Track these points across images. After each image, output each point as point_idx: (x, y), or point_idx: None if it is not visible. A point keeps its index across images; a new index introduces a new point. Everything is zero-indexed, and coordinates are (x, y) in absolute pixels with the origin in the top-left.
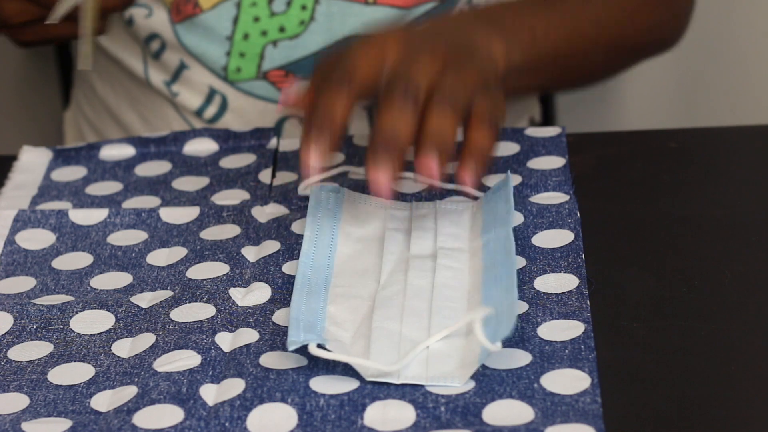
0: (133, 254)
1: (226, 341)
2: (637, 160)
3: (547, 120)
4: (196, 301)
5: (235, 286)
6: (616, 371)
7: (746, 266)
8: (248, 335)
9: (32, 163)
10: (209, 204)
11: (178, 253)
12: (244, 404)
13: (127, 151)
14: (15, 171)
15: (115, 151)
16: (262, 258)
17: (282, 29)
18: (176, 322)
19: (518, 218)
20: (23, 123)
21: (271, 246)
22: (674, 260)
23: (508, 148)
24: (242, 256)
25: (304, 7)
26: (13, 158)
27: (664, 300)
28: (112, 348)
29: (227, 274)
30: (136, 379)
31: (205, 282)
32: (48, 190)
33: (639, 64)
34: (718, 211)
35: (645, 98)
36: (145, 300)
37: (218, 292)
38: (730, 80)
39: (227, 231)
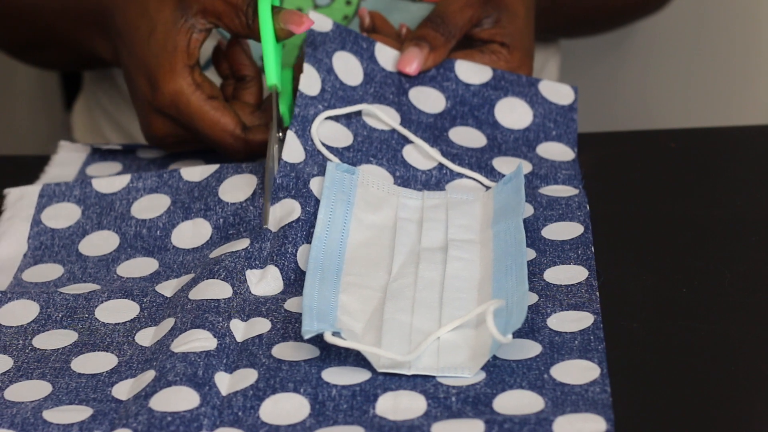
0: (158, 232)
1: (239, 330)
2: (637, 160)
3: None
4: (213, 278)
5: (252, 267)
6: (616, 371)
7: (746, 266)
8: (260, 325)
9: (69, 158)
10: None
11: (202, 229)
12: (257, 394)
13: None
14: (51, 165)
15: (152, 152)
16: (281, 230)
17: None
18: (193, 300)
19: (528, 210)
20: (23, 121)
21: (290, 210)
22: (674, 260)
23: (519, 114)
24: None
25: (348, 2)
26: (44, 158)
27: (664, 300)
28: (135, 338)
29: (246, 249)
30: (155, 363)
31: (223, 257)
32: None
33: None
34: (718, 211)
35: (645, 98)
36: (169, 288)
37: (235, 271)
38: (730, 80)
39: (246, 183)
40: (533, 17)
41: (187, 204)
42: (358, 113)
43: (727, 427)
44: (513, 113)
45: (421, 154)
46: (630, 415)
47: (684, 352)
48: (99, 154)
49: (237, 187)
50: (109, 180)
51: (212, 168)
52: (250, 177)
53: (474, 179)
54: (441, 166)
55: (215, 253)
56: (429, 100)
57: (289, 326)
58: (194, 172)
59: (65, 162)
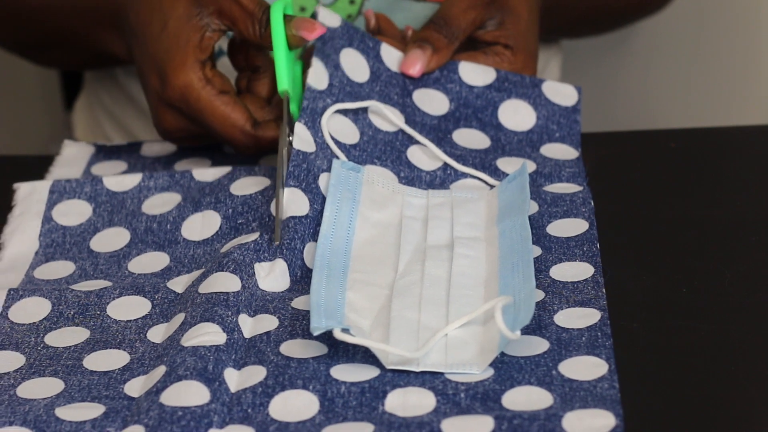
0: (168, 225)
1: (246, 325)
2: (637, 160)
3: None
4: (222, 270)
5: (260, 260)
6: (617, 371)
7: (746, 266)
8: (268, 322)
9: (74, 157)
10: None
11: (212, 220)
12: (266, 391)
13: (170, 147)
14: (56, 165)
15: (156, 148)
16: (291, 223)
17: None
18: (203, 294)
19: (533, 207)
20: (24, 121)
21: (300, 203)
22: (674, 260)
23: (523, 117)
24: (271, 215)
25: (352, 1)
26: (45, 158)
27: (664, 300)
28: (147, 335)
29: (255, 241)
30: (165, 359)
31: (233, 249)
32: None
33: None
34: (718, 211)
35: (645, 98)
36: (180, 284)
37: (244, 264)
38: (730, 80)
39: (258, 182)
40: (537, 19)
41: (197, 199)
42: (365, 111)
43: (727, 427)
44: (516, 115)
45: (425, 155)
46: (630, 415)
47: (684, 352)
48: (104, 153)
49: (248, 186)
50: (120, 178)
51: (225, 170)
52: (262, 179)
53: (478, 178)
54: (445, 166)
55: (225, 248)
56: (433, 102)
57: (296, 323)
58: (206, 174)
59: (70, 161)
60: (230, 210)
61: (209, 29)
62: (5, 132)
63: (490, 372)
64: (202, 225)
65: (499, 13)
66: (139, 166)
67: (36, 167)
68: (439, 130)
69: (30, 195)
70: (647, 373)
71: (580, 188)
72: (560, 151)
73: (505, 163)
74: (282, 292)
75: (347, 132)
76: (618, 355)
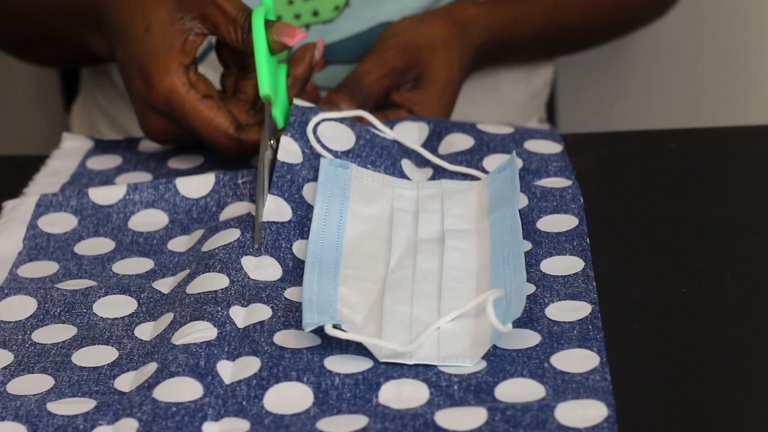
0: (155, 241)
1: (239, 316)
2: (637, 160)
3: (549, 119)
4: (209, 271)
5: (246, 254)
6: (616, 371)
7: (746, 266)
8: (261, 311)
9: (71, 150)
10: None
11: (197, 236)
12: (260, 383)
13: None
14: (53, 157)
15: (154, 144)
16: (275, 227)
17: (315, 13)
18: (191, 294)
19: (523, 200)
20: (23, 121)
21: (283, 211)
22: (674, 260)
23: (502, 128)
24: (253, 218)
25: None
26: (45, 159)
27: (664, 300)
28: (134, 331)
29: (238, 239)
30: (156, 356)
31: (217, 250)
32: (80, 177)
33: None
34: (718, 211)
35: (645, 98)
36: (166, 285)
37: (230, 261)
38: (730, 80)
39: (246, 209)
40: (459, 82)
41: (185, 224)
42: (360, 118)
43: (727, 427)
44: (495, 127)
45: (415, 171)
46: (630, 415)
47: (684, 352)
48: (101, 148)
49: (237, 213)
50: (106, 190)
51: (209, 183)
52: (250, 205)
53: (469, 175)
54: (434, 177)
55: (207, 246)
56: (414, 130)
57: (290, 314)
58: (190, 186)
59: (67, 155)
60: (214, 224)
61: (192, 33)
62: (5, 132)
63: (483, 364)
64: (188, 240)
65: (414, 79)
66: (134, 161)
67: (36, 167)
68: (425, 148)
69: (17, 207)
70: (647, 373)
71: (569, 182)
72: (544, 146)
73: (492, 162)
74: (274, 281)
75: (341, 138)
76: (618, 355)
